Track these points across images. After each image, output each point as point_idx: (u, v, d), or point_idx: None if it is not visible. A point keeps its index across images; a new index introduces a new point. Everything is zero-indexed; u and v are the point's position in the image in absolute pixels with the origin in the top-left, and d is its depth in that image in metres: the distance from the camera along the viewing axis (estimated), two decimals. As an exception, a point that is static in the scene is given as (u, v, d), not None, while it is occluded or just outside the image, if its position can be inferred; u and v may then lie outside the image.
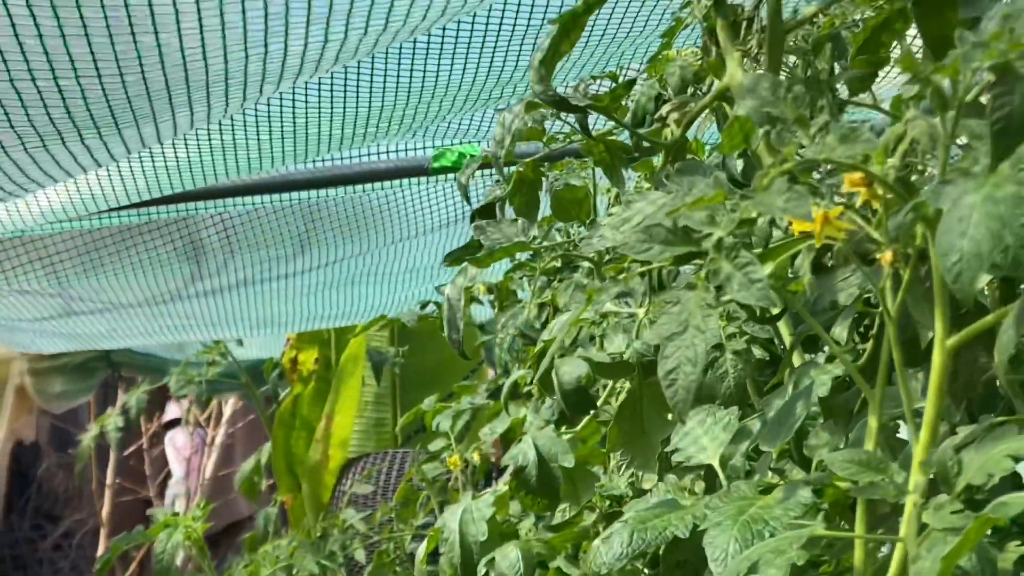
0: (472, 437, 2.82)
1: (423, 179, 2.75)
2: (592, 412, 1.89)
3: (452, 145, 2.59)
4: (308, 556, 2.54)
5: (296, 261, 3.03)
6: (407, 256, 3.21)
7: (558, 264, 2.40)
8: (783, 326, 1.71)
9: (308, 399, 4.31)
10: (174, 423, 8.71)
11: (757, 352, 1.89)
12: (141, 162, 2.05)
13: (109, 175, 2.08)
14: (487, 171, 2.58)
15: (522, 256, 2.97)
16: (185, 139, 1.95)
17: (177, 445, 8.55)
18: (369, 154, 2.58)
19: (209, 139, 1.97)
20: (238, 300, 3.34)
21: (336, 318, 3.86)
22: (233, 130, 1.94)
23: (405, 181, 2.73)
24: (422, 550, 1.94)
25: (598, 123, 2.05)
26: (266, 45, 1.48)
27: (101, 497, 8.12)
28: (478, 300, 3.36)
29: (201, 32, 1.42)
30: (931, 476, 0.98)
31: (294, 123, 1.94)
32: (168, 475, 8.55)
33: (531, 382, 2.19)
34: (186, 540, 1.95)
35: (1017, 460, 0.91)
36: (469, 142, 2.51)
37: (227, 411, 7.83)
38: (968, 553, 0.81)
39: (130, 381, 5.42)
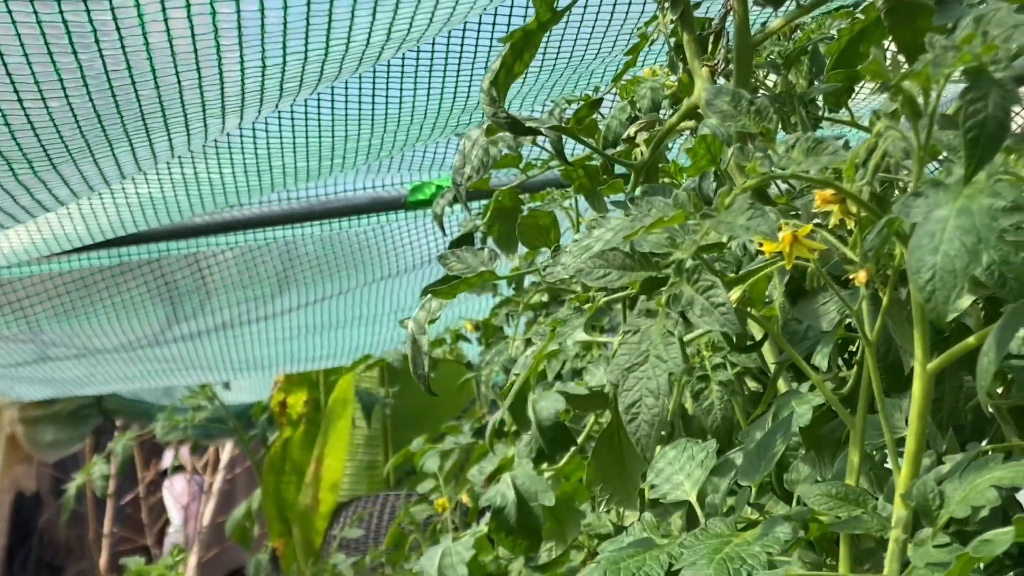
0: (462, 477, 2.76)
1: (403, 215, 2.70)
2: (574, 447, 1.84)
3: (431, 179, 2.54)
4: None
5: (276, 302, 2.98)
6: (390, 295, 3.15)
7: (544, 299, 2.35)
8: (768, 354, 1.65)
9: (298, 442, 4.25)
10: (173, 471, 8.64)
11: (752, 385, 1.84)
12: (102, 199, 1.99)
13: (70, 214, 2.03)
14: (471, 202, 2.54)
15: (507, 291, 2.92)
16: (146, 175, 1.89)
17: (175, 493, 8.47)
18: (346, 189, 2.53)
19: (170, 173, 1.91)
20: (219, 343, 3.28)
21: (321, 359, 3.80)
22: (194, 163, 1.89)
23: (384, 217, 2.67)
24: (401, 596, 1.87)
25: (577, 148, 2.00)
26: (221, 72, 1.43)
27: (99, 547, 8.04)
28: (465, 337, 3.31)
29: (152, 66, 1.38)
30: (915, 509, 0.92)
31: (256, 155, 1.89)
32: (167, 523, 8.48)
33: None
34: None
35: (1014, 489, 0.85)
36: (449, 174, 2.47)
37: (224, 457, 7.74)
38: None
39: (125, 428, 5.37)
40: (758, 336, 1.58)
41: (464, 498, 2.68)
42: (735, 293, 1.06)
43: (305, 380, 4.25)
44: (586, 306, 1.21)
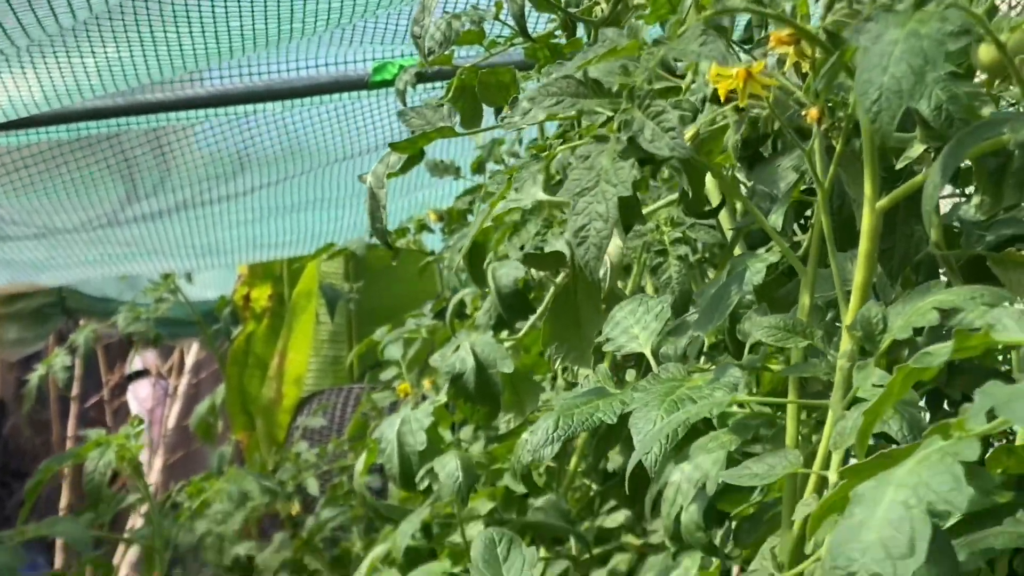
0: (425, 365, 2.77)
1: (367, 95, 2.68)
2: (532, 318, 1.85)
3: (396, 58, 2.52)
4: (249, 478, 2.49)
5: (236, 181, 2.95)
6: (352, 177, 3.14)
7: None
8: (725, 221, 1.67)
9: (261, 337, 4.25)
10: (137, 375, 8.62)
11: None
12: (56, 57, 1.96)
13: (24, 74, 2.00)
14: (434, 83, 2.52)
15: (472, 179, 2.92)
16: (101, 32, 1.86)
17: (139, 397, 8.46)
18: (309, 66, 2.51)
19: (126, 33, 1.88)
20: (179, 225, 3.26)
21: (283, 246, 3.78)
22: (151, 22, 1.85)
23: (348, 96, 2.66)
24: (361, 462, 1.89)
25: (540, 27, 1.98)
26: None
27: (63, 450, 8.04)
28: (429, 228, 3.31)
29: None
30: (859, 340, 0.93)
31: (213, 15, 1.86)
32: (133, 433, 8.47)
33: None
34: (119, 459, 1.89)
35: (943, 312, 0.87)
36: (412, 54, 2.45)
37: (189, 360, 7.74)
38: (890, 408, 0.76)
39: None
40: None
41: (427, 385, 2.69)
42: (689, 131, 1.07)
43: (269, 274, 4.25)
44: (543, 154, 1.21)
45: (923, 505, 0.61)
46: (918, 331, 0.89)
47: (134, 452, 1.92)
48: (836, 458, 0.89)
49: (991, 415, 0.64)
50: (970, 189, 1.42)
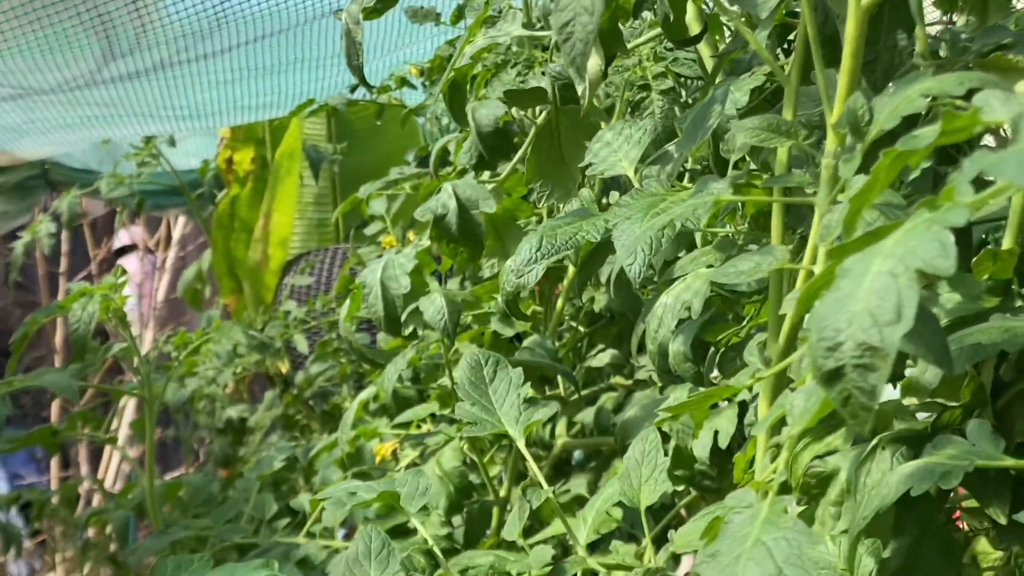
0: (409, 218, 2.75)
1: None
2: (514, 161, 1.83)
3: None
4: (236, 328, 2.49)
5: (214, 38, 2.89)
6: (333, 37, 3.07)
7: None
8: (705, 50, 1.64)
9: (246, 200, 4.22)
10: (124, 250, 8.60)
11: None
12: None
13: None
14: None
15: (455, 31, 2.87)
16: None
17: (128, 271, 8.40)
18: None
19: None
20: (157, 85, 3.20)
21: (264, 108, 3.72)
22: None
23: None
24: (345, 308, 1.88)
25: None
26: None
27: (53, 326, 8.04)
28: (411, 84, 3.27)
29: None
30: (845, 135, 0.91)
31: None
32: (120, 301, 8.47)
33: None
34: (104, 310, 1.88)
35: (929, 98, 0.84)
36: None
37: (176, 233, 7.72)
38: (877, 195, 0.75)
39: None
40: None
41: (411, 237, 2.68)
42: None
43: (251, 137, 4.20)
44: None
45: (910, 273, 0.60)
46: (909, 122, 0.87)
47: (118, 303, 1.91)
48: (823, 252, 0.88)
49: (980, 184, 0.63)
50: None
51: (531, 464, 1.15)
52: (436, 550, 1.12)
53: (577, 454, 2.37)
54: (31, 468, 10.03)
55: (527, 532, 1.76)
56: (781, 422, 0.90)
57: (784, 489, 0.78)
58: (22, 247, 3.71)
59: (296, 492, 2.40)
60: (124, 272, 1.97)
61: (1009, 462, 0.87)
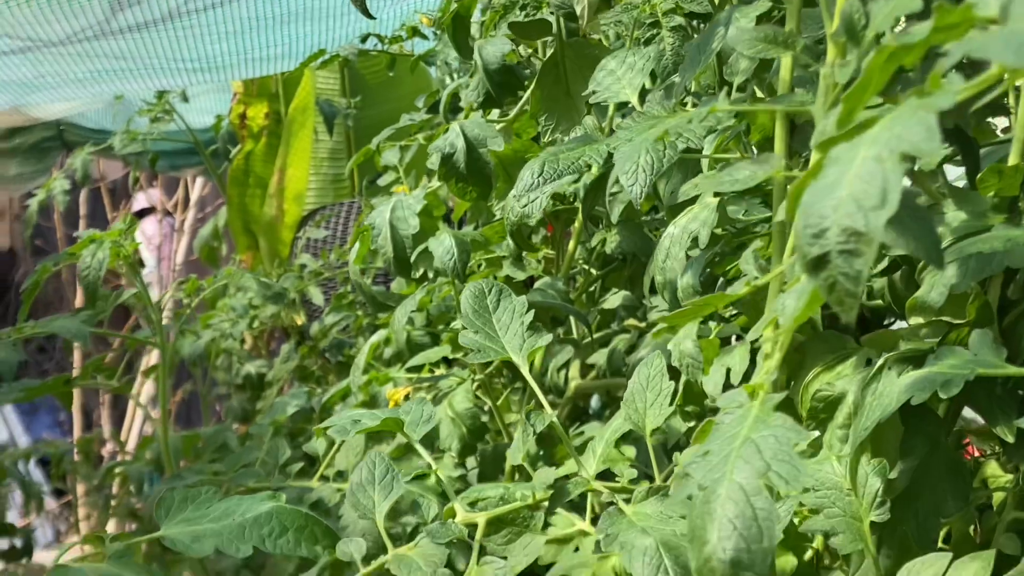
0: (421, 166, 2.74)
1: None
2: (521, 102, 1.82)
3: None
4: (249, 276, 2.48)
5: (224, -14, 2.89)
6: (345, -16, 3.07)
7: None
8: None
9: (260, 155, 4.22)
10: (142, 213, 8.63)
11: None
12: None
13: None
14: None
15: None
16: None
17: (147, 234, 8.47)
18: None
19: None
20: (167, 36, 3.19)
21: (276, 60, 3.71)
22: None
23: None
24: (355, 251, 1.88)
25: None
26: None
27: (74, 290, 8.09)
28: (422, 34, 3.25)
29: None
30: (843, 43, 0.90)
31: None
32: (140, 265, 8.50)
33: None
34: (114, 257, 1.88)
35: None
36: None
37: (194, 195, 7.74)
38: (872, 94, 0.74)
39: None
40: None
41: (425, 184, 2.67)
42: None
43: (264, 92, 4.19)
44: None
45: (895, 157, 0.59)
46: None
47: (128, 249, 1.91)
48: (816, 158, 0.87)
49: (968, 70, 0.62)
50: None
51: (536, 390, 1.14)
52: (445, 480, 1.12)
53: (594, 402, 2.37)
54: (55, 432, 10.10)
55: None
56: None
57: (777, 388, 0.77)
58: (37, 204, 3.72)
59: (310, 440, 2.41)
60: (134, 220, 1.97)
61: (1012, 370, 0.87)
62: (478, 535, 1.06)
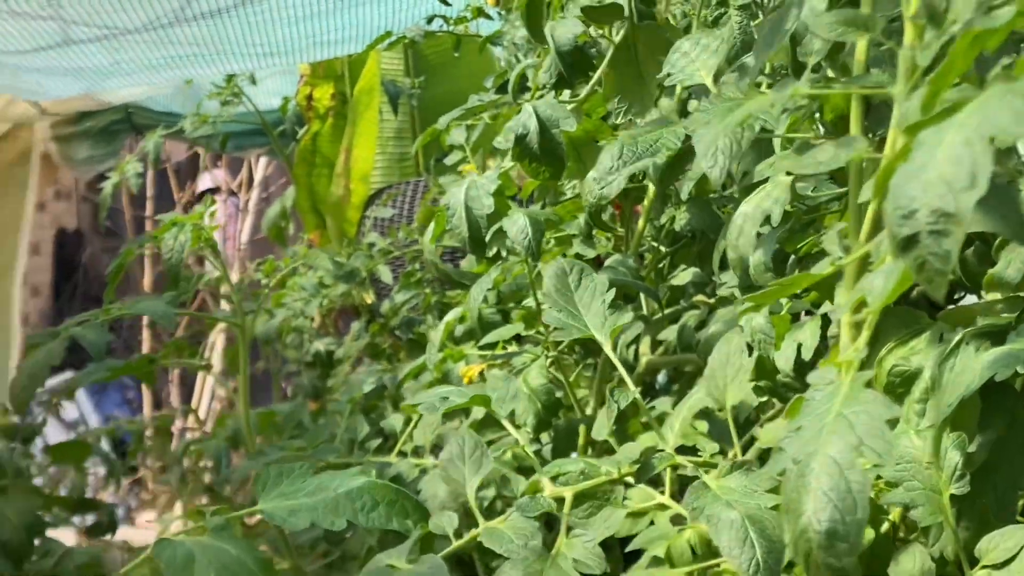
0: (487, 145, 2.77)
1: None
2: (591, 83, 1.84)
3: None
4: (323, 255, 2.53)
5: (294, -28, 2.93)
6: (414, -31, 3.10)
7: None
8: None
9: (327, 136, 4.27)
10: (208, 193, 8.75)
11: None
12: None
13: None
14: None
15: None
16: None
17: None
18: None
19: None
20: (239, 23, 3.24)
21: (343, 42, 3.74)
22: None
23: None
24: (430, 231, 1.91)
25: None
26: None
27: (142, 271, 8.22)
28: (487, 15, 3.28)
29: None
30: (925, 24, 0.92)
31: None
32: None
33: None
34: (196, 240, 1.93)
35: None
36: None
37: (258, 175, 7.83)
38: (956, 76, 0.75)
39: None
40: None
41: (491, 165, 2.70)
42: None
43: (330, 73, 4.24)
44: None
45: (983, 140, 0.61)
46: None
47: (209, 232, 1.96)
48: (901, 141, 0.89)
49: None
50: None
51: (619, 367, 1.17)
52: (531, 455, 1.15)
53: (661, 377, 2.39)
54: (124, 410, 10.26)
55: (611, 451, 1.79)
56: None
57: (864, 366, 0.79)
58: (111, 187, 3.79)
59: (378, 419, 2.46)
60: (213, 202, 2.02)
61: (1090, 345, 0.88)
62: (566, 508, 1.09)
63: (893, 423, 0.69)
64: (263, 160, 7.61)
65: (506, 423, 1.15)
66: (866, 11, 1.09)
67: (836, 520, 0.65)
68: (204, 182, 8.77)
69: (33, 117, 4.67)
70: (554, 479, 1.24)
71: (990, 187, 0.63)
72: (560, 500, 1.09)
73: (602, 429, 1.17)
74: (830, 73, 1.38)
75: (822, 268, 0.94)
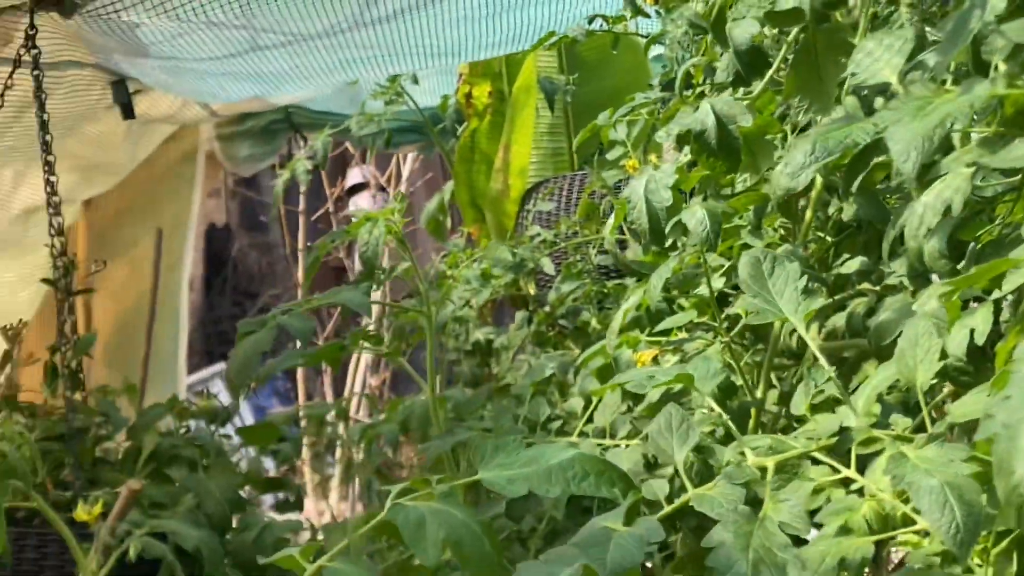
0: (651, 142, 2.86)
1: None
2: (764, 80, 1.92)
3: None
4: (502, 248, 2.65)
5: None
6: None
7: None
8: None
9: (485, 132, 4.39)
10: (357, 188, 8.99)
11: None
12: None
13: None
14: None
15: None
16: None
17: (361, 208, 8.78)
18: None
19: None
20: (413, 25, 3.38)
21: (506, 43, 3.87)
22: None
23: None
24: (612, 221, 2.01)
25: None
26: None
27: (295, 263, 8.48)
28: (644, 13, 3.36)
29: None
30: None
31: None
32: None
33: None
34: (387, 233, 2.06)
35: None
36: None
37: (405, 171, 8.04)
38: None
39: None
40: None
41: (653, 159, 2.79)
42: None
43: (488, 72, 4.36)
44: None
45: None
46: None
47: (398, 226, 2.09)
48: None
49: None
50: None
51: (813, 348, 1.26)
52: (734, 428, 1.25)
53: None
54: (274, 401, 10.55)
55: (784, 430, 1.88)
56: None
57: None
58: (282, 183, 3.97)
59: (552, 403, 2.56)
60: (404, 198, 2.15)
61: None
62: (768, 476, 1.18)
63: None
64: (410, 156, 7.80)
65: (711, 400, 1.24)
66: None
67: (1045, 477, 0.73)
68: (353, 177, 9.01)
69: (203, 119, 4.88)
70: (742, 454, 1.34)
71: None
72: (763, 469, 1.19)
73: (801, 403, 1.26)
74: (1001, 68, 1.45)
75: (1020, 253, 1.01)
